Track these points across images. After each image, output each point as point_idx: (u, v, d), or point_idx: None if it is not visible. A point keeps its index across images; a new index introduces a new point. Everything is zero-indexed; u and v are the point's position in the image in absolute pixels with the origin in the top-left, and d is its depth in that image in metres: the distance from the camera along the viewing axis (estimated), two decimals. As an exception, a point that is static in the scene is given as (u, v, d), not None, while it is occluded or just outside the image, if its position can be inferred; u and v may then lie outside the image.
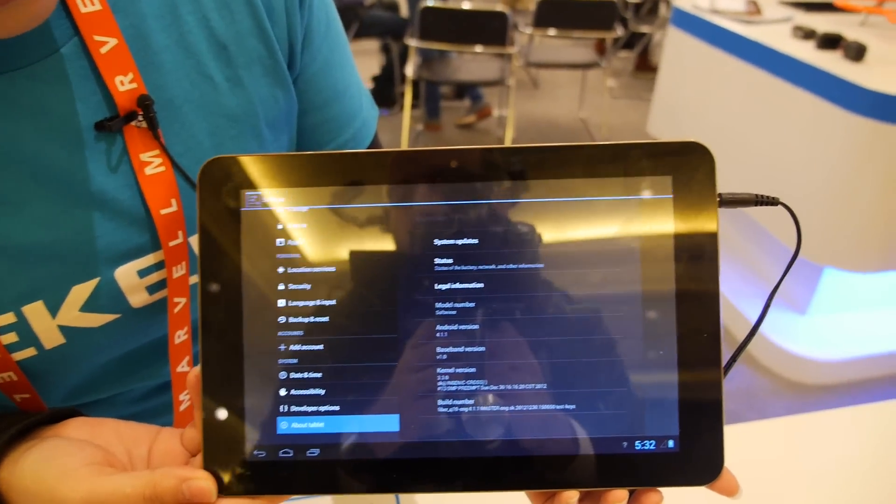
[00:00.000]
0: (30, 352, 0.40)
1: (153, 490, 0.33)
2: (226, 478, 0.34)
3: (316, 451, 0.35)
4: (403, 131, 3.31)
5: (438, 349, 0.35)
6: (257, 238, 0.35)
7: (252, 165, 0.35)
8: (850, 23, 2.17)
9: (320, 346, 0.35)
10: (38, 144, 0.37)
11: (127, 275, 0.41)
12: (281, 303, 0.35)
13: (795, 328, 2.10)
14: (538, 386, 0.34)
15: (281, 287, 0.35)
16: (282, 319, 0.35)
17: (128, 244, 0.41)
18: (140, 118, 0.39)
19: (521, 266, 0.35)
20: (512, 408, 0.34)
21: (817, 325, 2.11)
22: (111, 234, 0.40)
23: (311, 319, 0.35)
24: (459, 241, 0.35)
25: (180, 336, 0.44)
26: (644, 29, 4.16)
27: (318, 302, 0.35)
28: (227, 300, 0.35)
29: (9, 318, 0.38)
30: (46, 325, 0.39)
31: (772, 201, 0.36)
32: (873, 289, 2.11)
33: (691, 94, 2.38)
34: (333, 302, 0.35)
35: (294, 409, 0.35)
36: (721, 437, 0.34)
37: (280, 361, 0.35)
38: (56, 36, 0.37)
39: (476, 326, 0.35)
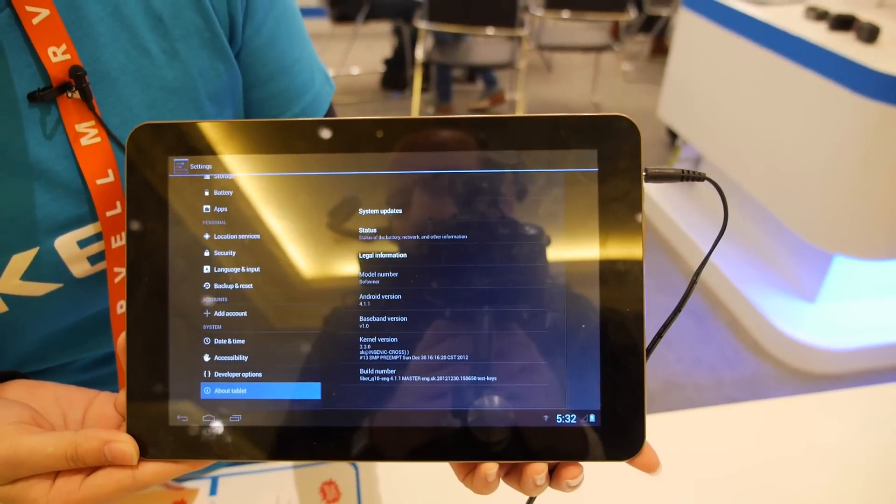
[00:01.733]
0: None
1: (74, 451, 0.33)
2: (149, 441, 0.34)
3: (238, 417, 0.35)
4: (413, 115, 3.30)
5: (361, 318, 0.35)
6: (184, 204, 0.35)
7: (180, 132, 0.35)
8: (867, 4, 2.12)
9: (244, 313, 0.35)
10: None
11: (67, 245, 0.41)
12: (206, 269, 0.35)
13: (803, 316, 2.07)
14: (460, 357, 0.34)
15: (206, 253, 0.35)
16: (206, 286, 0.35)
17: (66, 214, 0.41)
18: (73, 89, 0.39)
19: (444, 237, 0.34)
20: (433, 378, 0.34)
21: (826, 313, 2.08)
22: (49, 204, 0.40)
23: (236, 286, 0.35)
24: (384, 211, 0.35)
25: (122, 306, 0.44)
26: (661, 12, 4.08)
27: (242, 269, 0.35)
28: (152, 266, 0.35)
29: None
30: None
31: (698, 177, 0.36)
32: (884, 277, 2.07)
33: (702, 77, 2.34)
34: (258, 269, 0.35)
35: (217, 374, 0.35)
36: (642, 414, 0.33)
37: (204, 327, 0.35)
38: None
39: (399, 296, 0.34)
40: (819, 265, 2.05)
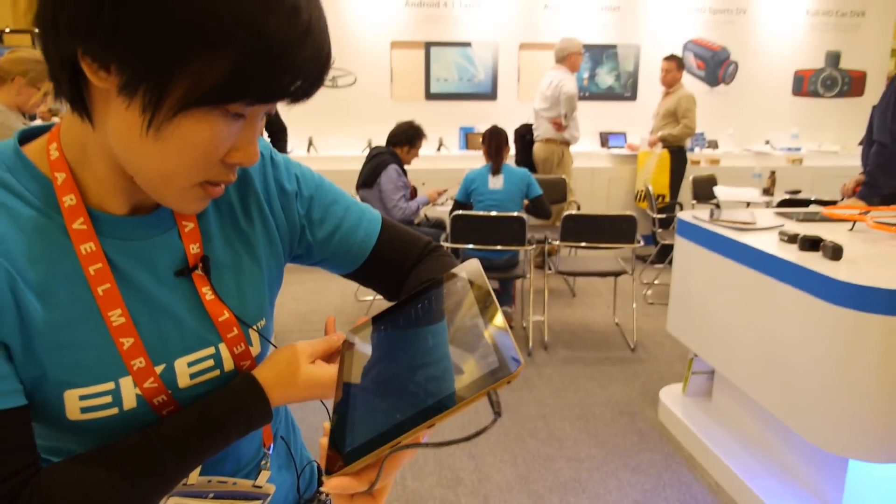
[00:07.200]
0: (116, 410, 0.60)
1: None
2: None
3: None
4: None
5: None
6: None
7: None
8: (842, 229, 2.39)
9: None
10: (148, 281, 0.62)
11: (181, 364, 0.64)
12: None
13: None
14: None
15: None
16: None
17: (188, 343, 0.64)
18: (200, 269, 0.65)
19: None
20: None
21: (853, 523, 2.03)
22: (178, 336, 0.64)
23: None
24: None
25: None
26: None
27: None
28: None
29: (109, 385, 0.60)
30: (129, 393, 0.61)
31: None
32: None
33: (701, 295, 2.57)
34: None
35: None
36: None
37: None
38: (167, 222, 0.64)
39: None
40: (836, 471, 2.05)
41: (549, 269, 3.85)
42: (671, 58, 5.16)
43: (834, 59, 6.22)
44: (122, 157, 0.56)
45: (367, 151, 4.99)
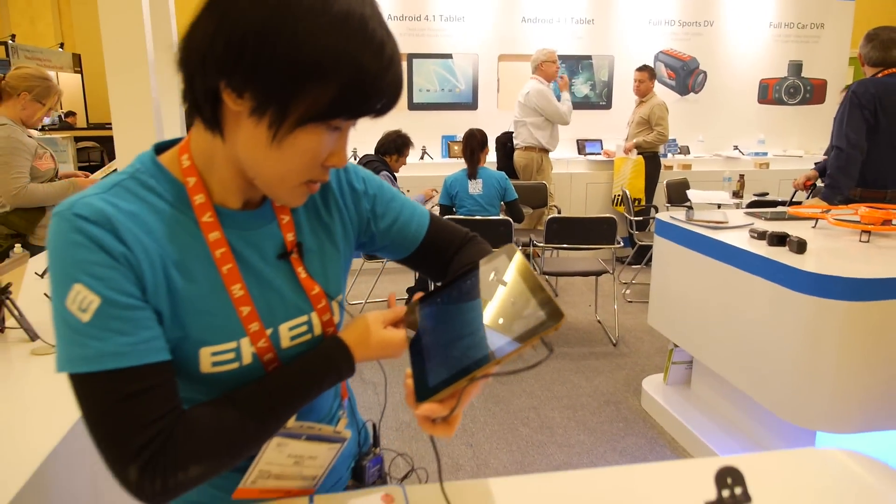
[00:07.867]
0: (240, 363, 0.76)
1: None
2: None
3: None
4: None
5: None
6: None
7: None
8: (806, 226, 2.61)
9: None
10: (258, 262, 0.78)
11: (284, 329, 0.79)
12: None
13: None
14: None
15: None
16: None
17: (290, 311, 0.80)
18: (296, 253, 0.81)
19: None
20: None
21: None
22: (282, 307, 0.79)
23: None
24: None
25: None
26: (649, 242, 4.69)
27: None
28: None
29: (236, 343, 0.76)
30: (247, 351, 0.76)
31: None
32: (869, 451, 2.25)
33: (679, 289, 2.77)
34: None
35: None
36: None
37: None
38: (269, 215, 0.80)
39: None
40: (805, 443, 2.25)
41: (534, 269, 4.02)
42: (644, 68, 5.41)
43: (796, 68, 6.55)
44: (247, 164, 0.71)
45: (351, 160, 5.11)
